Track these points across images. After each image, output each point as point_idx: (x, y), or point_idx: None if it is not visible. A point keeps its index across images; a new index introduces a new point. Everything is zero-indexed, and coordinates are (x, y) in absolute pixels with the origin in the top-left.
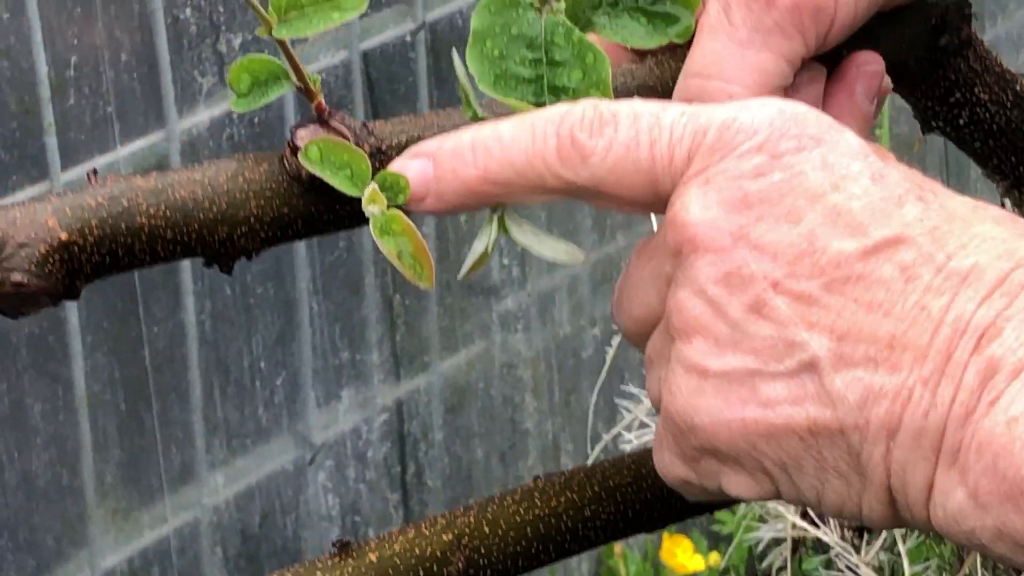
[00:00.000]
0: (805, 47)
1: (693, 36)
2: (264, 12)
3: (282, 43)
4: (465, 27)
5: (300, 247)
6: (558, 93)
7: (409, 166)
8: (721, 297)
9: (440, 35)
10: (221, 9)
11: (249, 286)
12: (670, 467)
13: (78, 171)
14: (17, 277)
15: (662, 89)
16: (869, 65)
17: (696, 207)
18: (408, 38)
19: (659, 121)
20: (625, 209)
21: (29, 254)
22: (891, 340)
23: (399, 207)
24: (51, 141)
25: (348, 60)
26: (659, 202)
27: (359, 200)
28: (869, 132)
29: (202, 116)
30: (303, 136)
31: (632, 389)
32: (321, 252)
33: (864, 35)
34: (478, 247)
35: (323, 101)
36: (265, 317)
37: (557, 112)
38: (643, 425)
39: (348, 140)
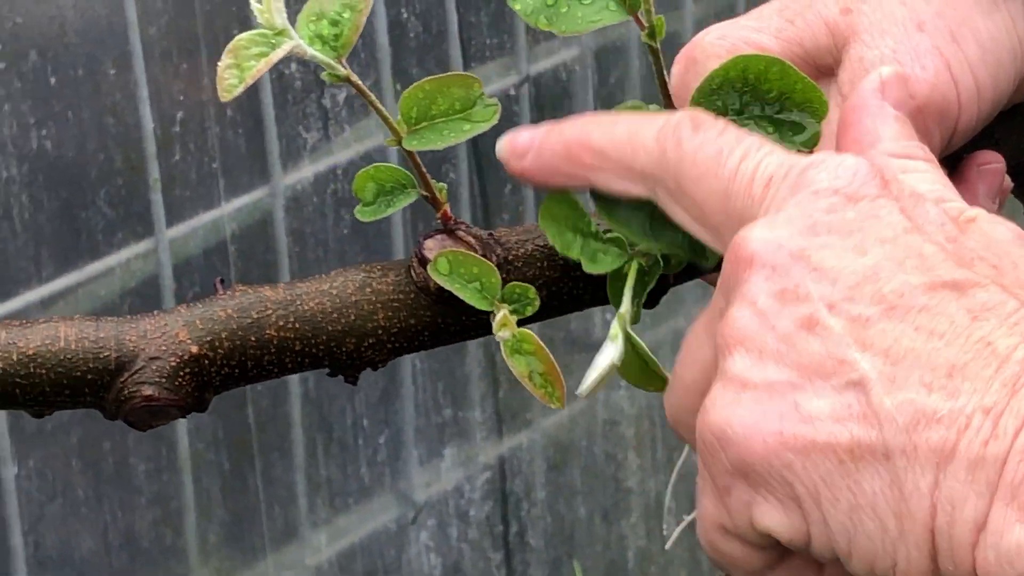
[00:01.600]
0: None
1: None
2: (393, 121)
3: (411, 153)
4: (569, 80)
5: None
6: None
7: (528, 127)
8: (772, 309)
9: (544, 88)
10: None
11: None
12: (705, 519)
13: (183, 228)
14: (148, 391)
15: None
16: (990, 164)
17: (760, 229)
18: (512, 91)
19: (760, 145)
20: (693, 224)
21: (160, 367)
22: (950, 368)
23: None
24: (156, 197)
25: None
26: (727, 220)
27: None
28: None
29: (306, 172)
30: (431, 247)
31: None
32: None
33: (983, 135)
34: (603, 361)
35: (448, 209)
36: (368, 375)
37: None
38: None
39: (475, 250)
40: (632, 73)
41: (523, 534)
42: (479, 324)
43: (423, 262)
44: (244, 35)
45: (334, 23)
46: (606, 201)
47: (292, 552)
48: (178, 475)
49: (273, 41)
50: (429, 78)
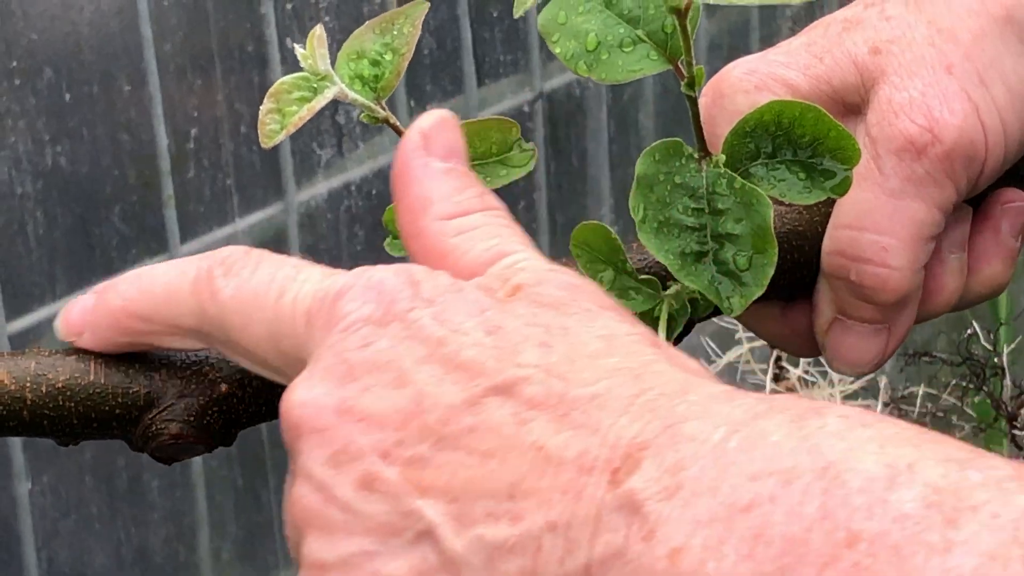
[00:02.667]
0: (957, 194)
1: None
2: None
3: None
4: (583, 97)
5: None
6: (722, 241)
7: (80, 300)
8: (329, 478)
9: (557, 104)
10: None
11: None
12: None
13: (197, 244)
14: (175, 429)
15: (811, 234)
16: (1014, 203)
17: (300, 391)
18: (526, 108)
19: (297, 275)
20: (260, 369)
21: (189, 405)
22: (510, 489)
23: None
24: (170, 214)
25: None
26: (286, 361)
27: None
28: (1014, 266)
29: (320, 188)
30: None
31: None
32: None
33: (1008, 173)
34: None
35: None
36: None
37: (210, 252)
38: None
39: None
40: (645, 91)
41: None
42: None
43: None
44: (287, 79)
45: (375, 63)
46: (650, 229)
47: None
48: (192, 491)
49: (315, 86)
50: (469, 120)
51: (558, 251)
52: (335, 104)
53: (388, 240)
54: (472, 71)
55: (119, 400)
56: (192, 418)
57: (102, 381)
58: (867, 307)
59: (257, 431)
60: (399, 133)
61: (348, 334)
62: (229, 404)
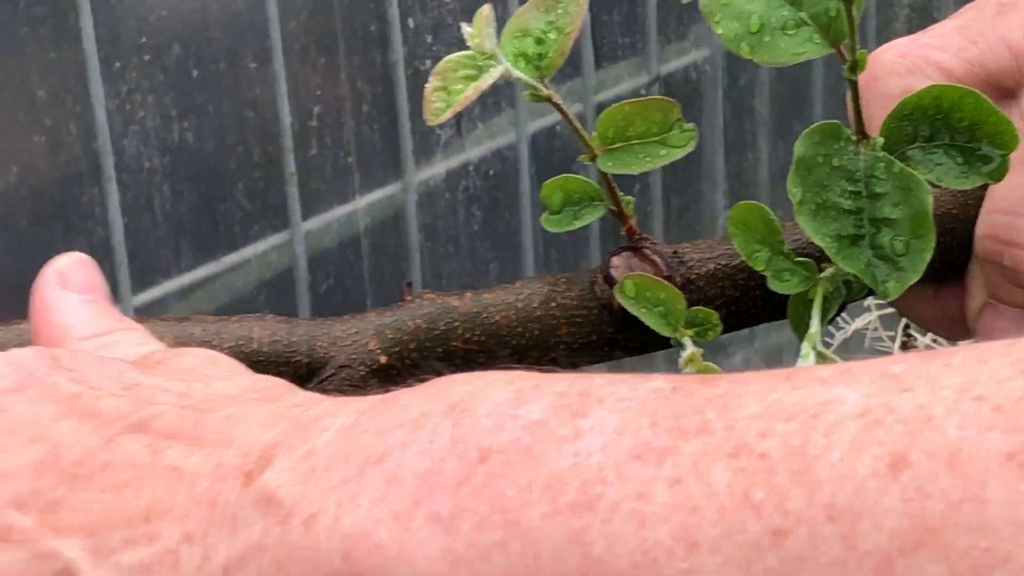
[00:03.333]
0: None
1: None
2: (588, 139)
3: (603, 172)
4: (699, 81)
5: None
6: (879, 225)
7: None
8: None
9: (674, 88)
10: None
11: None
12: None
13: (318, 221)
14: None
15: (964, 217)
16: None
17: None
18: (643, 91)
19: None
20: None
21: (349, 376)
22: (146, 513)
23: None
24: (293, 191)
25: (583, 113)
26: None
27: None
28: None
29: (439, 168)
30: (617, 265)
31: None
32: None
33: None
34: None
35: (634, 224)
36: None
37: None
38: None
39: (660, 269)
40: (761, 75)
41: None
42: (657, 341)
43: (608, 280)
44: (452, 57)
45: (539, 41)
46: (808, 212)
47: None
48: None
49: (481, 64)
50: (629, 100)
51: (672, 235)
52: None
53: (544, 216)
54: (590, 54)
55: (281, 369)
56: (351, 389)
57: (265, 350)
58: (1019, 292)
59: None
60: (562, 112)
61: None
62: (388, 375)
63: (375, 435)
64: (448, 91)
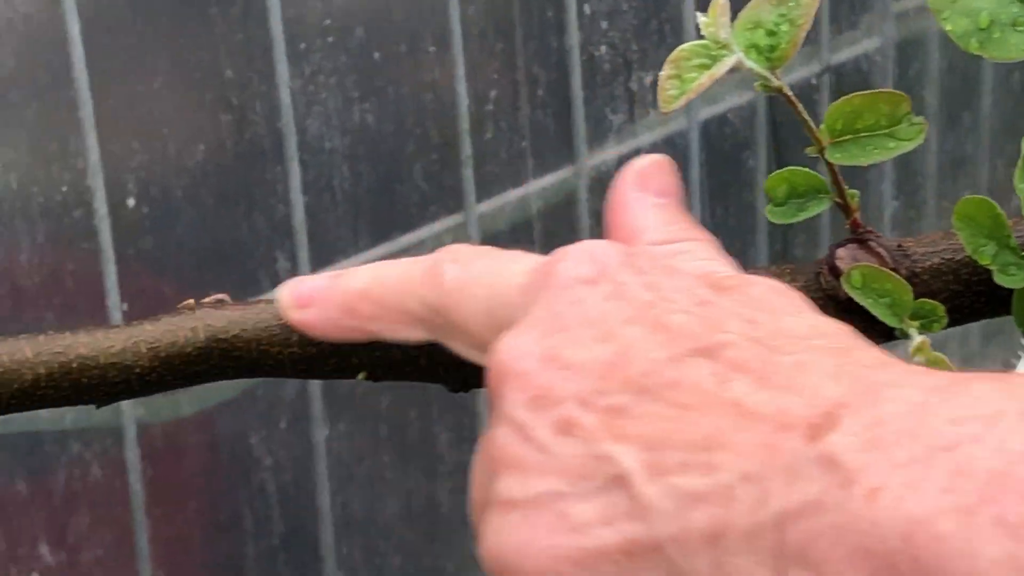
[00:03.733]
0: None
1: None
2: (815, 130)
3: (830, 164)
4: (869, 72)
5: None
6: None
7: (310, 278)
8: (528, 420)
9: (845, 78)
10: (634, 47)
11: None
12: None
13: (492, 204)
14: None
15: None
16: None
17: (508, 339)
18: (813, 80)
19: (515, 260)
20: (472, 352)
21: None
22: (706, 441)
23: None
24: (468, 173)
25: (754, 101)
26: (497, 336)
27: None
28: None
29: (611, 153)
30: (843, 256)
31: None
32: None
33: None
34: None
35: (858, 217)
36: None
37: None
38: None
39: (885, 262)
40: (931, 66)
41: None
42: (883, 332)
43: (834, 271)
44: (686, 46)
45: (770, 33)
46: None
47: None
48: (478, 445)
49: (714, 54)
50: (859, 93)
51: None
52: (629, 70)
53: (769, 207)
54: None
55: None
56: None
57: None
58: None
59: None
60: (792, 104)
61: (560, 290)
62: None
63: (946, 421)
64: (682, 79)
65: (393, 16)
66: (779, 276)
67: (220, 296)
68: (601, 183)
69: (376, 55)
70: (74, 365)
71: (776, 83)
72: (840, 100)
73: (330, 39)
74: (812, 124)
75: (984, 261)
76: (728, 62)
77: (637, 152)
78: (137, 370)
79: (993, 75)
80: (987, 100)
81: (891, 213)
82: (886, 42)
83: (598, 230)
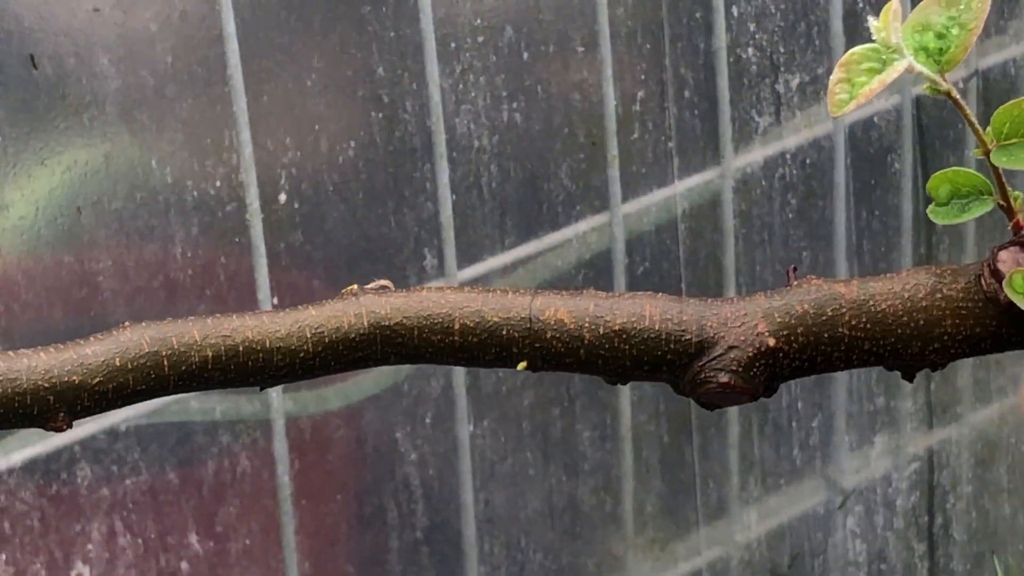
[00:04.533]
0: None
1: None
2: (982, 132)
3: (994, 167)
4: (1018, 76)
5: None
6: None
7: None
8: None
9: (992, 83)
10: (781, 49)
11: None
12: None
13: (637, 204)
14: (724, 378)
15: None
16: None
17: None
18: (961, 85)
19: None
20: None
21: (738, 356)
22: None
23: None
24: (613, 173)
25: (900, 105)
26: None
27: None
28: None
29: (756, 155)
30: (1005, 259)
31: None
32: None
33: None
34: None
35: (1022, 220)
36: None
37: None
38: None
39: None
40: None
41: (947, 527)
42: None
43: (995, 274)
44: (857, 50)
45: (940, 36)
46: None
47: (722, 527)
48: (620, 444)
49: (885, 58)
50: (1016, 101)
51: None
52: (776, 72)
53: (931, 207)
54: None
55: (671, 346)
56: (740, 369)
57: (656, 327)
58: None
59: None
60: (960, 108)
61: None
62: (775, 358)
63: None
64: (852, 83)
65: (542, 16)
66: (940, 277)
67: (383, 282)
68: (746, 184)
69: (525, 55)
70: (240, 348)
71: (946, 86)
72: (1009, 103)
73: (480, 39)
74: (979, 126)
75: None
76: (900, 66)
77: (783, 154)
78: (302, 354)
79: None
80: None
81: None
82: None
83: (743, 231)
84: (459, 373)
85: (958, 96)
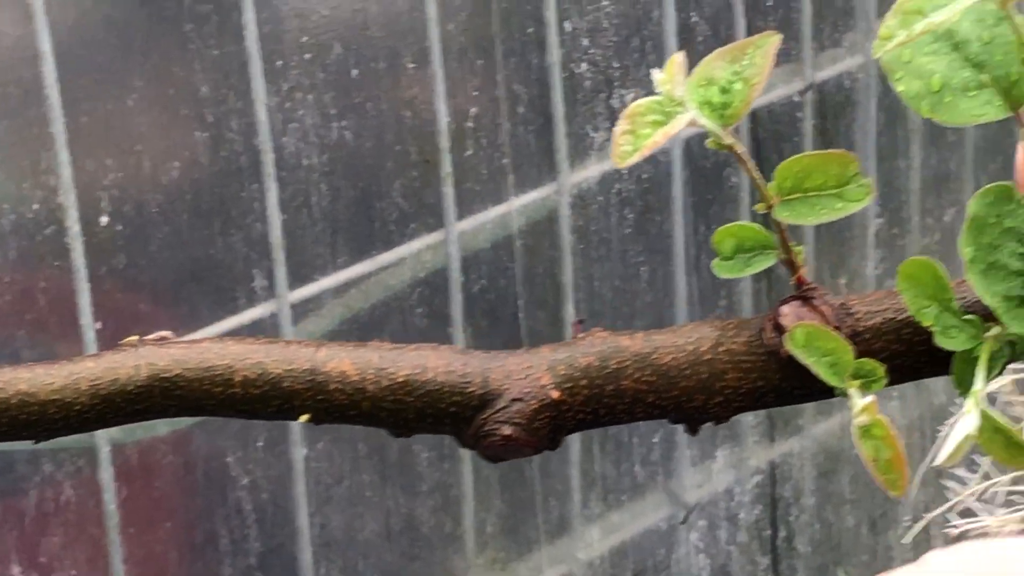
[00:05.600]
0: None
1: None
2: (765, 187)
3: (777, 222)
4: (853, 89)
5: (683, 301)
6: None
7: None
8: None
9: (827, 96)
10: (616, 64)
11: None
12: None
13: (472, 221)
14: (507, 431)
15: None
16: None
17: None
18: (796, 98)
19: None
20: None
21: (521, 409)
22: None
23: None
24: (448, 191)
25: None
26: None
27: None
28: None
29: (592, 171)
30: (787, 313)
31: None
32: (703, 313)
33: None
34: (959, 435)
35: (804, 275)
36: None
37: None
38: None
39: (828, 320)
40: None
41: (791, 539)
42: (823, 389)
43: (778, 328)
44: (642, 102)
45: (724, 91)
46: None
47: (565, 545)
48: (458, 465)
49: (668, 111)
50: (809, 153)
51: (822, 242)
52: (610, 87)
53: (716, 261)
54: None
55: (455, 399)
56: (524, 422)
57: (439, 379)
58: None
59: None
60: (742, 162)
61: None
62: (559, 410)
63: None
64: (636, 135)
65: (371, 33)
66: (723, 330)
67: (164, 333)
68: (583, 200)
69: (354, 72)
70: (13, 401)
71: (729, 140)
72: (790, 159)
73: (307, 56)
74: (762, 183)
75: (927, 322)
76: (682, 120)
77: (619, 170)
78: (77, 407)
79: None
80: None
81: (875, 230)
82: (869, 59)
83: (580, 247)
84: None
85: (741, 151)
